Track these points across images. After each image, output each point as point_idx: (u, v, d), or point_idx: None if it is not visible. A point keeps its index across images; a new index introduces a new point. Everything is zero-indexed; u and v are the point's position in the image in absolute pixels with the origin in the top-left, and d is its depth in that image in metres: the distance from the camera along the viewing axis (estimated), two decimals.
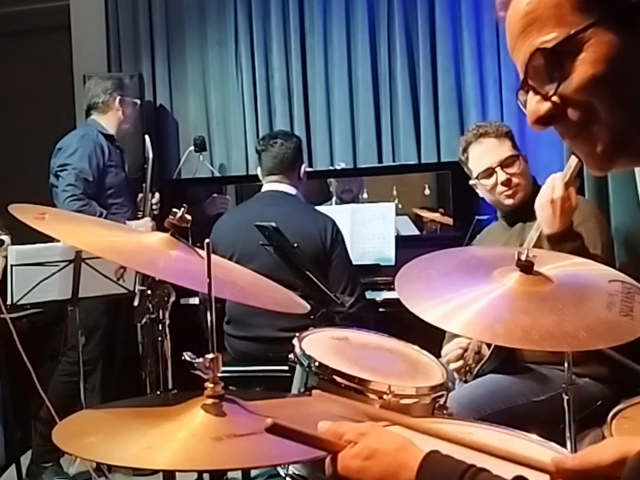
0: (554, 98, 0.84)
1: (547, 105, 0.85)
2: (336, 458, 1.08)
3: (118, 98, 3.89)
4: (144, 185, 3.88)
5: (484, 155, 2.61)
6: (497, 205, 2.70)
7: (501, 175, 2.57)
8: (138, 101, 4.12)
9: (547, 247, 2.22)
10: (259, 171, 3.42)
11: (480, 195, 2.71)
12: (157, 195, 3.92)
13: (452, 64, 4.25)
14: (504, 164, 2.58)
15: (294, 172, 3.33)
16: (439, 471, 0.99)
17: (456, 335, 2.40)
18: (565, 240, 2.19)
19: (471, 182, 2.70)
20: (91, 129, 3.78)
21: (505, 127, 2.67)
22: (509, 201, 2.61)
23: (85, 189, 3.52)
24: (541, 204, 2.21)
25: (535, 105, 0.85)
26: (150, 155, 3.79)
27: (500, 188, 2.59)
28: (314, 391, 1.45)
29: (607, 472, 0.98)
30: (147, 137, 3.87)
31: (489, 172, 2.59)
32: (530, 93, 0.86)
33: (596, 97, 0.81)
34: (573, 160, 2.18)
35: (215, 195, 4.40)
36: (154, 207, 3.86)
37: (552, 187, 2.19)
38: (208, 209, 4.26)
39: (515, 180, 2.58)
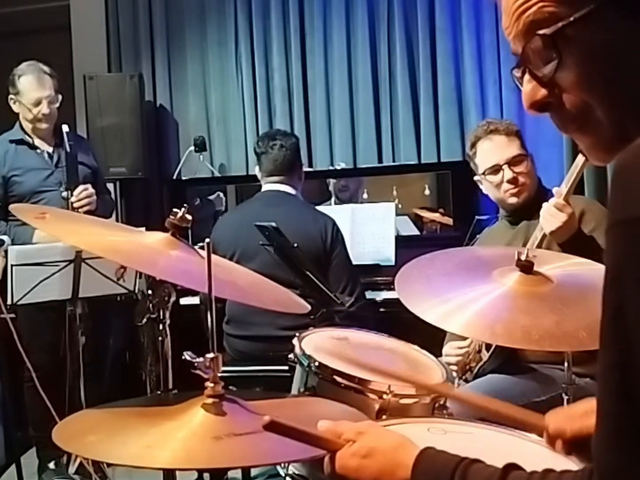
0: (550, 84, 0.82)
1: (543, 91, 0.84)
2: (335, 457, 1.08)
3: (9, 98, 3.59)
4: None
5: (492, 151, 2.61)
6: (501, 203, 2.70)
7: (508, 173, 2.57)
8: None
9: (557, 248, 2.24)
10: (257, 171, 3.42)
11: (484, 191, 2.71)
12: (78, 190, 3.36)
13: (452, 64, 4.25)
14: (512, 162, 2.58)
15: (294, 173, 3.34)
16: (433, 466, 1.00)
17: (456, 335, 2.40)
18: (578, 241, 2.23)
19: (476, 177, 2.69)
20: (2, 137, 3.60)
21: (515, 126, 2.68)
22: (514, 199, 2.61)
23: None
24: (552, 232, 2.26)
25: (531, 89, 0.84)
26: (68, 148, 3.30)
27: (506, 186, 2.59)
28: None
29: None
30: (64, 127, 3.34)
31: (495, 169, 2.59)
32: (527, 76, 0.85)
33: (591, 94, 0.80)
34: (573, 171, 2.24)
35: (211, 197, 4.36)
36: (77, 204, 3.34)
37: (556, 215, 2.27)
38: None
39: (521, 179, 2.58)
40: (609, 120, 0.81)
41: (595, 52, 0.78)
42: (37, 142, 3.61)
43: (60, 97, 3.61)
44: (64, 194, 3.39)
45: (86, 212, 3.37)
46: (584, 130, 0.84)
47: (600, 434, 0.78)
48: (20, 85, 3.57)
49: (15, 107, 3.60)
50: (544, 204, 2.31)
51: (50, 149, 3.61)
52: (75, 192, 3.37)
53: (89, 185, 3.44)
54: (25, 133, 3.61)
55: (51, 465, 3.56)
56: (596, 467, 0.80)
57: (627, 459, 0.76)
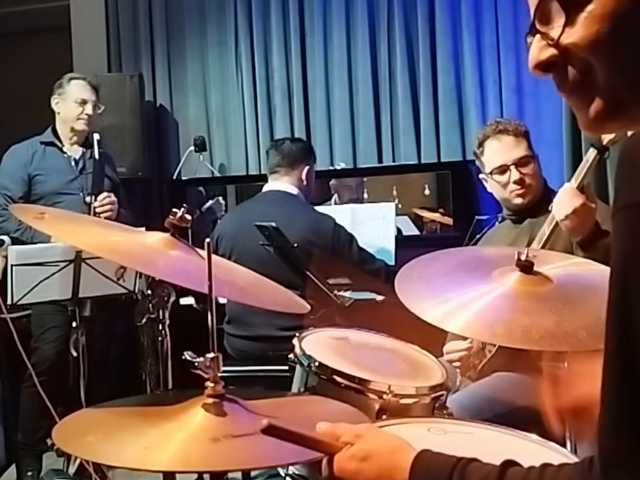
0: (559, 43, 0.84)
1: (550, 51, 0.84)
2: (332, 460, 1.08)
3: (53, 98, 3.70)
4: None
5: (500, 152, 2.62)
6: (505, 203, 2.71)
7: (514, 174, 2.58)
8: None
9: (581, 254, 2.22)
10: (267, 172, 3.44)
11: (489, 190, 2.72)
12: (102, 196, 3.48)
13: (452, 64, 4.25)
14: (519, 163, 2.59)
15: (296, 169, 3.33)
16: (431, 468, 1.00)
17: (457, 335, 2.39)
18: (596, 240, 2.21)
19: (481, 175, 2.71)
20: (34, 139, 3.70)
21: (524, 127, 2.68)
22: (519, 200, 2.62)
23: (6, 204, 3.49)
24: (563, 220, 2.23)
25: (538, 50, 0.85)
26: (97, 156, 3.44)
27: (512, 186, 2.60)
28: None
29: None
30: (95, 135, 3.47)
31: (502, 169, 2.60)
32: (537, 37, 0.85)
33: (596, 56, 0.81)
34: (583, 166, 2.22)
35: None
36: (99, 209, 3.45)
37: (568, 199, 2.22)
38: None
39: (527, 180, 2.59)
40: (607, 87, 0.81)
41: (603, 17, 0.79)
42: (66, 147, 3.70)
43: (100, 110, 3.75)
44: (87, 198, 3.49)
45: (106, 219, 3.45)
46: (579, 95, 0.85)
47: (603, 421, 0.79)
48: (69, 86, 3.69)
49: (57, 107, 3.70)
50: (560, 190, 2.28)
51: (77, 156, 3.69)
52: (100, 198, 3.49)
53: (112, 194, 3.56)
54: (56, 137, 3.70)
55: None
56: (600, 454, 0.80)
57: (630, 446, 0.76)
